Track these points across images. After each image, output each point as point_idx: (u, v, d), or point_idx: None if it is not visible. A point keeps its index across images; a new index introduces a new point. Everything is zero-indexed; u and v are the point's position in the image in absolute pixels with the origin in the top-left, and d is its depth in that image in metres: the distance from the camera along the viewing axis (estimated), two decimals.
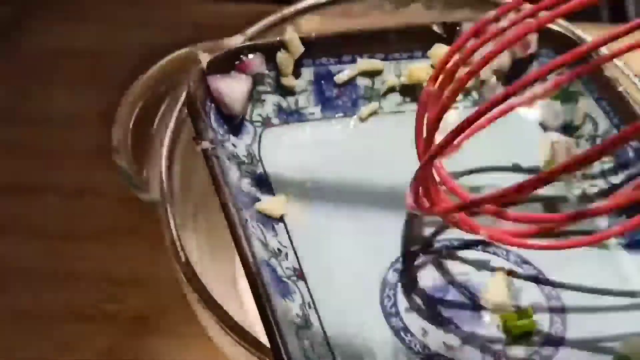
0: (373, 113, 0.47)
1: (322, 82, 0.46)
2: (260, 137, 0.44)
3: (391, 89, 0.47)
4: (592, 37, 0.51)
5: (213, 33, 0.52)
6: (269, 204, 0.42)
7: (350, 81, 0.47)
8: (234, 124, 0.43)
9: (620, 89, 0.44)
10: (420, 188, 0.40)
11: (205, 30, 0.53)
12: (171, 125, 0.47)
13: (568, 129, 0.46)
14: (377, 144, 0.45)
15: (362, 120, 0.46)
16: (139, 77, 0.48)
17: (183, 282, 0.43)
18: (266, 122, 0.45)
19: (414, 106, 0.46)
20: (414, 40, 0.47)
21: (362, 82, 0.47)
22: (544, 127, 0.47)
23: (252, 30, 0.51)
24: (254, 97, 0.45)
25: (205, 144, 0.40)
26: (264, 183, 0.43)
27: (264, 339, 0.41)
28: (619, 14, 0.81)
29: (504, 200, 0.38)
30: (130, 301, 0.55)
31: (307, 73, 0.46)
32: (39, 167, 0.61)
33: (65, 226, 0.58)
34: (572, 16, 0.49)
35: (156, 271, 0.55)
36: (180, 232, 0.44)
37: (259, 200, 0.41)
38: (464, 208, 0.40)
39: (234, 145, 0.43)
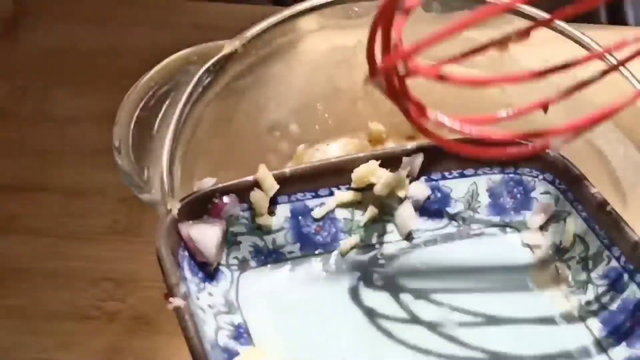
0: (354, 247, 0.45)
1: (300, 218, 0.44)
2: (237, 281, 0.42)
3: (372, 220, 0.45)
4: (590, 37, 0.51)
5: (213, 33, 0.52)
6: (248, 358, 0.39)
7: (329, 215, 0.45)
8: (209, 270, 0.41)
9: (608, 208, 0.42)
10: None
11: (205, 30, 0.54)
12: (172, 125, 0.47)
13: (557, 251, 0.45)
14: (360, 283, 0.44)
15: (343, 255, 0.45)
16: (139, 77, 0.48)
17: None
18: (243, 265, 0.43)
19: (396, 236, 0.45)
20: (389, 167, 0.45)
21: (341, 214, 0.45)
22: (532, 249, 0.45)
23: (252, 31, 0.51)
24: (229, 240, 0.43)
25: (178, 302, 0.38)
26: (243, 333, 0.40)
27: None
28: (617, 15, 0.81)
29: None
30: (130, 301, 0.55)
31: (283, 210, 0.44)
32: (39, 167, 0.61)
33: (65, 226, 0.58)
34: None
35: (156, 271, 0.55)
36: None
37: (237, 354, 0.39)
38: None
39: (210, 294, 0.41)
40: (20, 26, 0.70)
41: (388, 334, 0.41)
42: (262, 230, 0.44)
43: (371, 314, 0.42)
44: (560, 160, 0.45)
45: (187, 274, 0.40)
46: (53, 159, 0.61)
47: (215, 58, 0.50)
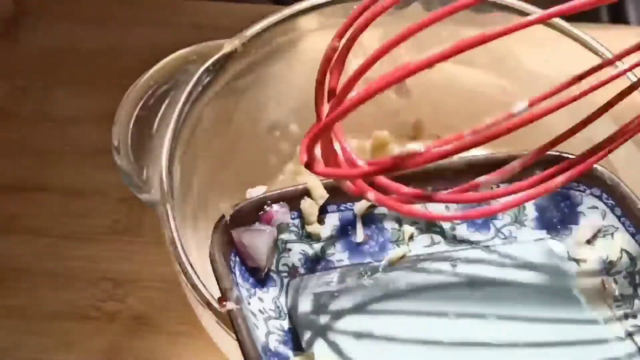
0: (402, 257, 0.45)
1: (349, 227, 0.45)
2: (287, 288, 0.43)
3: (419, 231, 0.46)
4: (591, 37, 0.51)
5: (213, 33, 0.52)
6: None
7: (377, 225, 0.45)
8: (259, 276, 0.42)
9: None
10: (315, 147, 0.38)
11: (205, 30, 0.54)
12: (171, 125, 0.47)
13: (604, 265, 0.45)
14: (408, 290, 0.44)
15: (391, 264, 0.45)
16: (139, 77, 0.48)
17: (183, 282, 0.43)
18: (293, 272, 0.44)
19: (444, 247, 0.45)
20: (439, 178, 0.44)
21: (389, 224, 0.45)
22: (578, 262, 0.45)
23: (252, 30, 0.51)
24: (279, 247, 0.44)
25: (231, 305, 0.39)
26: (293, 338, 0.41)
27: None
28: (619, 14, 0.81)
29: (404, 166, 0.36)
30: (130, 301, 0.55)
31: (332, 219, 0.45)
32: (39, 167, 0.61)
33: (65, 226, 0.58)
34: (571, 16, 0.49)
35: (156, 271, 0.55)
36: (180, 232, 0.45)
37: (287, 359, 0.40)
38: (361, 176, 0.38)
39: (260, 299, 0.42)
40: (20, 26, 0.69)
41: (436, 341, 0.42)
42: (311, 239, 0.44)
43: (419, 322, 0.42)
44: (609, 175, 0.45)
45: (239, 279, 0.41)
46: (53, 159, 0.61)
47: (215, 57, 0.50)
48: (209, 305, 0.42)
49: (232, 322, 0.38)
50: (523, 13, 0.52)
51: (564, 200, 0.46)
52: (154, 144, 0.47)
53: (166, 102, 0.48)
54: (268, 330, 0.40)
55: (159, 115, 0.47)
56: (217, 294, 0.43)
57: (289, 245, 0.44)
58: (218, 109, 0.51)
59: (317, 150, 0.39)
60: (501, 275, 0.45)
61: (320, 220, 0.44)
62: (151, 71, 0.48)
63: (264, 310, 0.41)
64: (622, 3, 0.81)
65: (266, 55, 0.53)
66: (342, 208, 0.45)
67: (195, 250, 0.47)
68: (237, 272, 0.41)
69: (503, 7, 0.52)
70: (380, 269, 0.45)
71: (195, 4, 0.71)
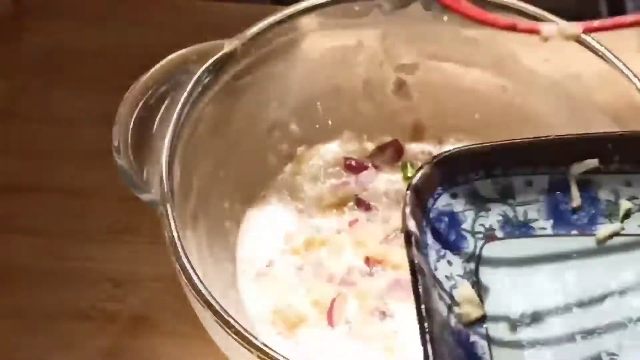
0: (614, 235, 0.40)
1: (558, 192, 0.41)
2: (480, 252, 0.40)
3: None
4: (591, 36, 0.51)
5: (213, 33, 0.52)
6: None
7: (590, 194, 0.41)
8: (451, 238, 0.39)
9: None
10: None
11: (205, 30, 0.54)
12: (171, 125, 0.47)
13: None
14: (616, 274, 0.40)
15: (599, 242, 0.40)
16: (139, 77, 0.48)
17: (183, 282, 0.43)
18: (489, 235, 0.40)
19: None
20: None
21: (604, 195, 0.41)
22: None
23: (252, 30, 0.51)
24: (477, 205, 0.40)
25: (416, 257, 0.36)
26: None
27: (263, 339, 0.42)
28: (618, 8, 0.81)
29: None
30: (130, 301, 0.55)
31: (541, 182, 0.40)
32: (39, 167, 0.61)
33: (65, 226, 0.58)
34: (571, 16, 0.49)
35: (156, 271, 0.55)
36: (180, 232, 0.45)
37: (467, 336, 0.37)
38: None
39: (449, 262, 0.39)
40: (20, 26, 0.69)
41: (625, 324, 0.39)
42: (515, 200, 0.41)
43: (617, 301, 0.39)
44: None
45: (429, 239, 0.38)
46: (53, 159, 0.61)
47: (215, 57, 0.50)
48: (209, 305, 0.42)
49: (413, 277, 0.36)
50: (522, 13, 0.52)
51: None
52: (154, 144, 0.47)
53: (166, 102, 0.48)
54: (452, 303, 0.38)
55: (159, 115, 0.47)
56: (216, 293, 0.43)
57: (489, 205, 0.40)
58: (218, 109, 0.51)
59: None
60: None
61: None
62: (151, 71, 0.48)
63: (451, 276, 0.38)
64: (622, 2, 0.81)
65: (266, 55, 0.53)
66: (555, 171, 0.41)
67: (195, 250, 0.47)
68: (428, 232, 0.38)
69: (503, 7, 0.52)
70: (586, 245, 0.40)
71: (195, 4, 0.71)
